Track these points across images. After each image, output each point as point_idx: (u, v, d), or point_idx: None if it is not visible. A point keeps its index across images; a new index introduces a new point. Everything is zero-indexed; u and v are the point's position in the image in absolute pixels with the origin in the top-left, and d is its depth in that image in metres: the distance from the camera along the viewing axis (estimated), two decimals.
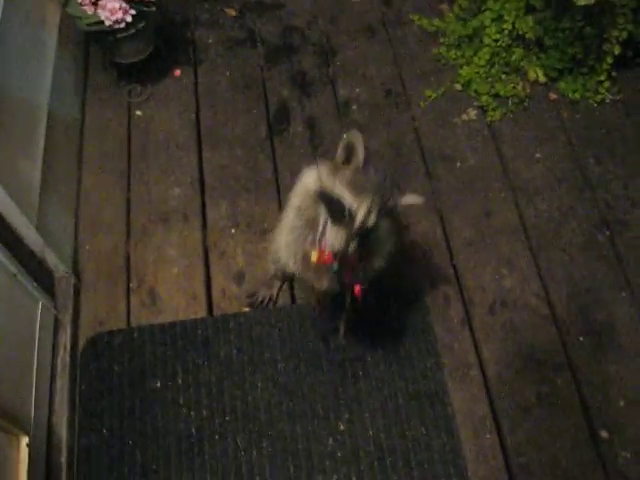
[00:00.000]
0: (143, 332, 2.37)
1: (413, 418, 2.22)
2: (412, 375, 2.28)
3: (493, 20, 2.85)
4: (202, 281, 2.47)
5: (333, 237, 1.69)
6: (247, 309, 2.39)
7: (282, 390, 2.27)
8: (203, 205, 2.63)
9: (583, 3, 2.42)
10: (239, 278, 2.47)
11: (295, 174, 2.62)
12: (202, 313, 2.41)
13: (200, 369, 2.31)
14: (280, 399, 2.25)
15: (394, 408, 2.24)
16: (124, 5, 2.52)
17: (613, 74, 2.88)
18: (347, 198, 1.65)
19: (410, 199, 1.74)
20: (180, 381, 2.29)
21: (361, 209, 1.63)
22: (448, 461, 2.16)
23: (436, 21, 3.07)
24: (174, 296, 2.44)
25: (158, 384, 2.29)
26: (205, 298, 2.44)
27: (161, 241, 2.55)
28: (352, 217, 1.64)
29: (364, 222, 1.64)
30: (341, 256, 1.70)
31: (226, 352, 2.33)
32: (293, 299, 2.43)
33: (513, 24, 2.79)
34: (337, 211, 1.67)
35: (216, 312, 2.41)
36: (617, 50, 2.74)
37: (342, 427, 2.21)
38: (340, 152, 1.76)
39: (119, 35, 2.61)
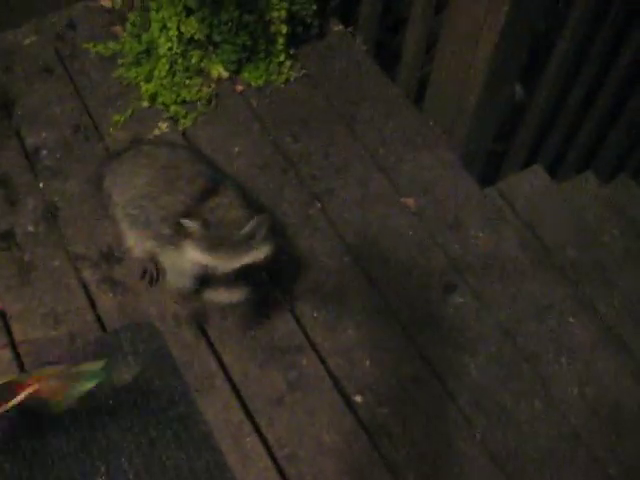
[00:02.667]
0: None
1: (170, 447, 2.14)
2: (159, 404, 2.20)
3: (161, 30, 2.81)
4: None
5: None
6: None
7: (31, 463, 2.11)
8: None
9: None
10: None
11: None
12: None
13: None
14: (31, 473, 2.10)
15: (149, 443, 2.15)
16: None
17: (291, 52, 2.93)
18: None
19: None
20: None
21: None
22: (216, 477, 2.10)
23: (112, 44, 2.99)
24: None
25: None
26: None
27: None
28: None
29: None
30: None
31: None
32: (22, 368, 2.29)
33: (179, 29, 2.76)
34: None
35: None
36: (284, 29, 2.79)
37: None
38: None
39: None
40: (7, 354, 2.30)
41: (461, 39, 2.52)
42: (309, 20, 2.90)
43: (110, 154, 2.51)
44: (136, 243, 2.32)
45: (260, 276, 2.24)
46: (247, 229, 1.98)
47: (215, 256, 1.99)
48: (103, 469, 2.12)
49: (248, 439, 2.17)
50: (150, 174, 2.22)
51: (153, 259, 2.37)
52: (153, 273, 2.41)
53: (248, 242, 2.00)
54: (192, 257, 2.03)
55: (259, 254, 2.03)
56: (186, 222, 1.98)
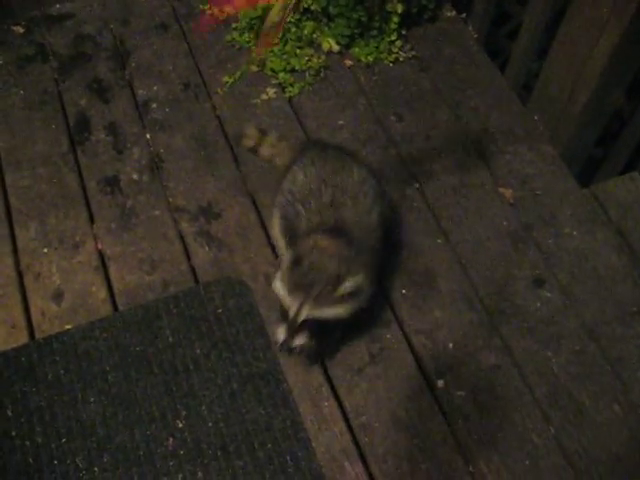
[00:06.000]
0: None
1: (250, 401, 2.21)
2: (243, 359, 2.27)
3: None
4: (20, 307, 2.38)
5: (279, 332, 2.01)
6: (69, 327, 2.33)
7: (116, 401, 2.21)
8: (11, 230, 2.54)
9: None
10: (58, 297, 2.39)
11: (102, 182, 2.62)
12: (24, 340, 2.32)
13: (29, 396, 2.22)
14: (115, 410, 2.20)
15: (230, 395, 2.22)
16: None
17: (403, 32, 2.95)
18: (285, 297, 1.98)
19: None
20: (10, 413, 2.20)
21: (292, 306, 1.95)
22: (291, 436, 2.16)
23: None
24: None
25: None
26: (25, 324, 2.35)
27: None
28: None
29: (296, 317, 1.95)
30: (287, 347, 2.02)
31: (53, 374, 2.26)
32: (115, 307, 2.38)
33: None
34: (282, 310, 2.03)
35: (39, 335, 2.33)
36: (400, 9, 2.81)
37: (181, 425, 2.17)
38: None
39: None
40: (103, 293, 2.40)
41: (578, 40, 2.49)
42: (425, 2, 2.91)
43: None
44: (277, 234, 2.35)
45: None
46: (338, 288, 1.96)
47: (291, 298, 1.97)
48: (184, 414, 2.20)
49: (326, 403, 2.22)
50: (316, 183, 2.20)
51: None
52: None
53: (329, 297, 1.96)
54: (277, 288, 2.03)
55: (334, 311, 1.99)
56: (281, 257, 2.02)
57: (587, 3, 2.41)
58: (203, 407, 2.20)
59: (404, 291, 2.41)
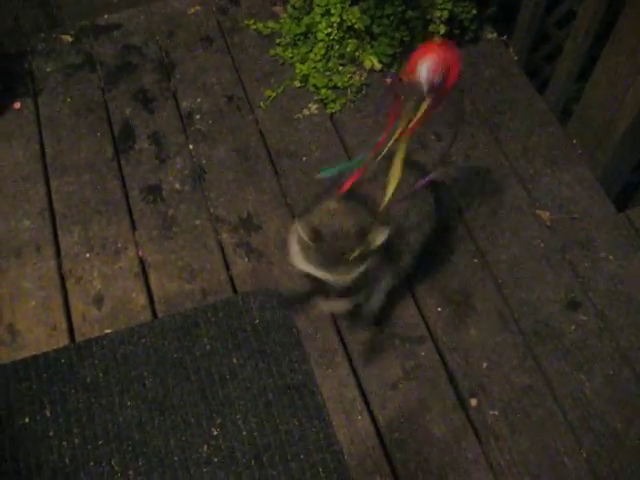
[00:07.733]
0: (5, 370, 2.31)
1: (284, 412, 2.24)
2: (279, 370, 2.30)
3: (322, 15, 2.91)
4: (61, 310, 2.43)
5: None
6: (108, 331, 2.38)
7: (152, 406, 2.24)
8: (55, 234, 2.59)
9: None
10: (98, 301, 2.44)
11: (144, 190, 2.67)
12: (65, 342, 2.37)
13: (68, 398, 2.26)
14: (151, 415, 2.23)
15: (265, 405, 2.25)
16: None
17: None
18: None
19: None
20: (49, 413, 2.24)
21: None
22: (323, 448, 2.18)
23: (271, 23, 3.12)
24: (34, 329, 2.40)
25: (27, 420, 2.23)
26: (66, 326, 2.40)
27: (15, 275, 2.50)
28: None
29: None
30: None
31: (92, 377, 2.30)
32: (154, 314, 2.42)
33: (341, 17, 2.85)
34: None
35: (78, 338, 2.37)
36: (442, 30, 2.84)
37: (215, 432, 2.20)
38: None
39: None
40: (142, 299, 2.44)
41: (621, 66, 2.50)
42: (467, 24, 2.94)
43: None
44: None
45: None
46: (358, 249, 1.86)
47: (324, 272, 1.93)
48: (219, 421, 2.22)
49: (360, 417, 2.23)
50: None
51: None
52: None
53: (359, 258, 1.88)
54: (300, 265, 1.98)
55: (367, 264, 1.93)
56: (298, 229, 1.88)
57: (630, 29, 2.43)
58: (238, 416, 2.23)
59: (439, 309, 2.43)
